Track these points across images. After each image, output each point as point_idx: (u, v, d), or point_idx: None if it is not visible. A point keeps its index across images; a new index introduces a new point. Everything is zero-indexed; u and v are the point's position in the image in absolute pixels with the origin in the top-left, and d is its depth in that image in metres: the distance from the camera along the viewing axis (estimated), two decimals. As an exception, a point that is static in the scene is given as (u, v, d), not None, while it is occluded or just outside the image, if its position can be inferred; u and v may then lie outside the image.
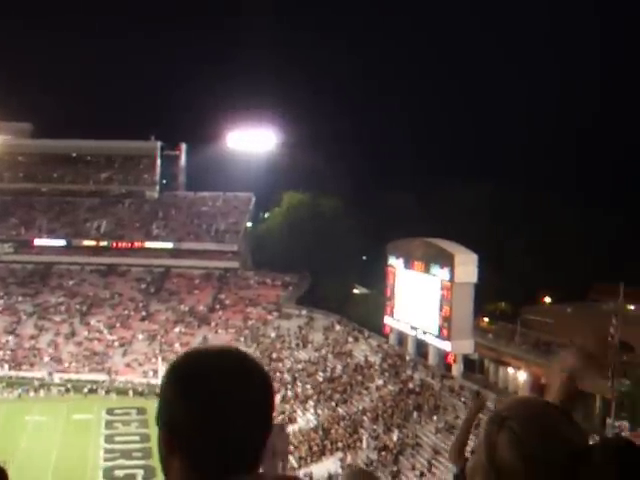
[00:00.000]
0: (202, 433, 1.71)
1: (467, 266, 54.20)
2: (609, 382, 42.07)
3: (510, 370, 61.37)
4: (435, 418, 48.19)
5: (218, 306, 79.27)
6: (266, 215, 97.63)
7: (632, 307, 63.51)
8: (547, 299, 79.30)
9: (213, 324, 75.69)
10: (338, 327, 66.52)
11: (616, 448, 3.12)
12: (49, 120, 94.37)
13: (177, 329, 74.92)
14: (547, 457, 1.58)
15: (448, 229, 65.04)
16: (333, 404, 53.00)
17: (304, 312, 72.27)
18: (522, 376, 59.93)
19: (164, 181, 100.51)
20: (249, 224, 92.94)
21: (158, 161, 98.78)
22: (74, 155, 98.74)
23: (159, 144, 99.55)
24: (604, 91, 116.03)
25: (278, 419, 52.90)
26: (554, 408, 1.71)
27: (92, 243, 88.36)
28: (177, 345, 70.96)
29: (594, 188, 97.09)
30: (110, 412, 59.80)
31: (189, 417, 1.72)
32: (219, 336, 72.67)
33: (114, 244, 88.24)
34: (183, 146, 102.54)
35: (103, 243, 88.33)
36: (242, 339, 71.21)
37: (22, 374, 67.01)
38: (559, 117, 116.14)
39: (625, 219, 79.16)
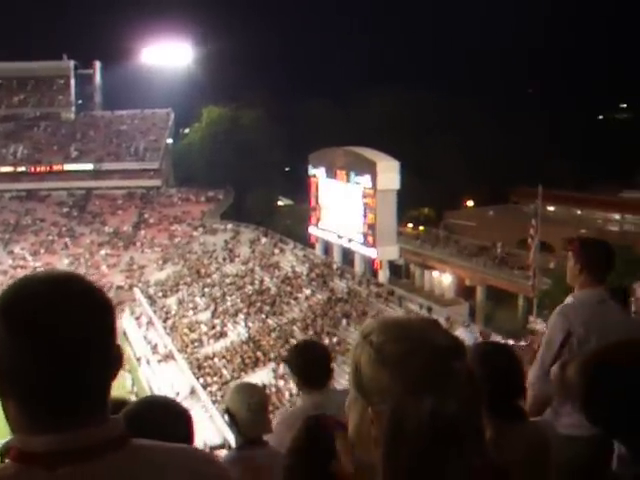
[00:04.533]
0: (28, 372, 1.47)
1: (389, 173, 54.34)
2: (530, 281, 43.34)
3: (435, 274, 62.62)
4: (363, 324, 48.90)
5: (143, 225, 78.57)
6: (186, 131, 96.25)
7: (552, 208, 65.05)
8: (469, 203, 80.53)
9: (138, 244, 75.05)
10: (264, 239, 66.53)
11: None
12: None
13: (103, 251, 74.06)
14: (407, 360, 1.49)
15: (368, 137, 65.07)
16: (263, 316, 53.35)
17: (229, 226, 72.00)
18: (447, 279, 61.28)
19: (80, 101, 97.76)
20: (169, 141, 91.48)
21: (72, 81, 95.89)
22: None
23: (72, 63, 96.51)
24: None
25: (209, 333, 53.29)
26: (421, 318, 1.64)
27: (9, 169, 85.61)
28: (104, 267, 70.54)
29: (513, 93, 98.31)
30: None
31: (13, 354, 1.47)
32: (145, 255, 72.37)
33: (32, 169, 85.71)
34: (97, 64, 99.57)
35: (21, 168, 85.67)
36: (168, 257, 71.15)
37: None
38: (484, 24, 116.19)
39: (546, 122, 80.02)
